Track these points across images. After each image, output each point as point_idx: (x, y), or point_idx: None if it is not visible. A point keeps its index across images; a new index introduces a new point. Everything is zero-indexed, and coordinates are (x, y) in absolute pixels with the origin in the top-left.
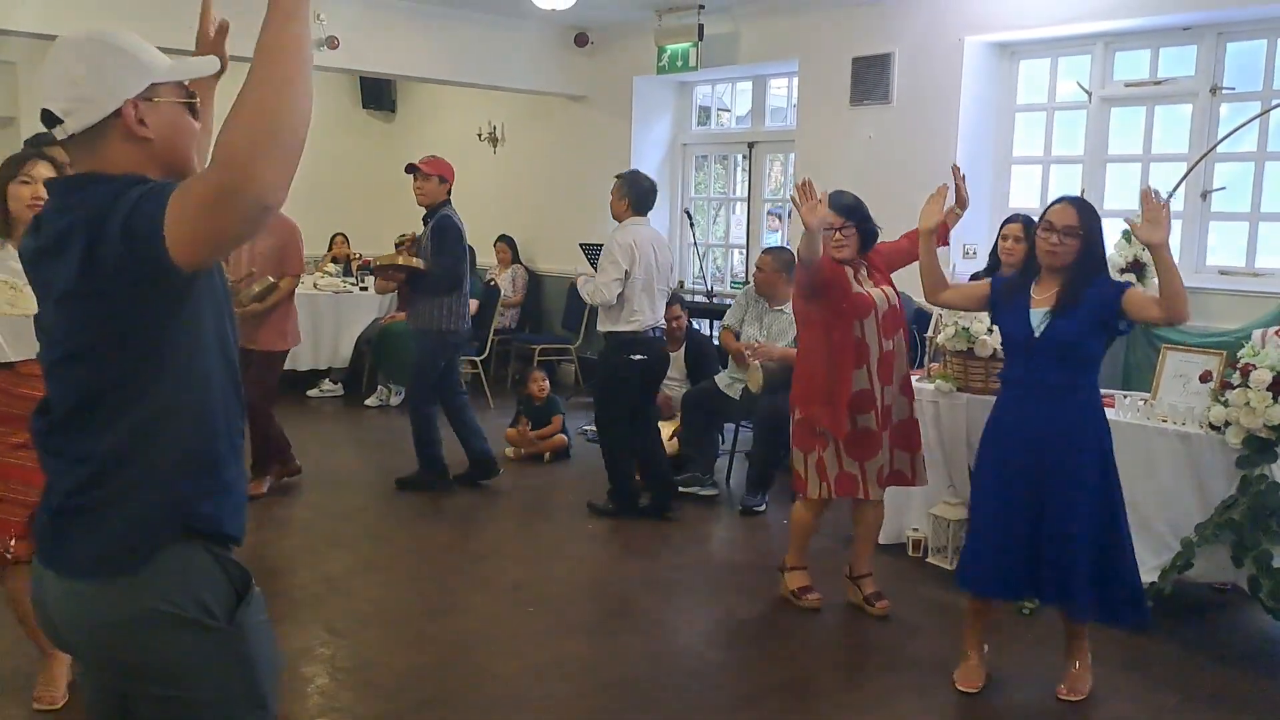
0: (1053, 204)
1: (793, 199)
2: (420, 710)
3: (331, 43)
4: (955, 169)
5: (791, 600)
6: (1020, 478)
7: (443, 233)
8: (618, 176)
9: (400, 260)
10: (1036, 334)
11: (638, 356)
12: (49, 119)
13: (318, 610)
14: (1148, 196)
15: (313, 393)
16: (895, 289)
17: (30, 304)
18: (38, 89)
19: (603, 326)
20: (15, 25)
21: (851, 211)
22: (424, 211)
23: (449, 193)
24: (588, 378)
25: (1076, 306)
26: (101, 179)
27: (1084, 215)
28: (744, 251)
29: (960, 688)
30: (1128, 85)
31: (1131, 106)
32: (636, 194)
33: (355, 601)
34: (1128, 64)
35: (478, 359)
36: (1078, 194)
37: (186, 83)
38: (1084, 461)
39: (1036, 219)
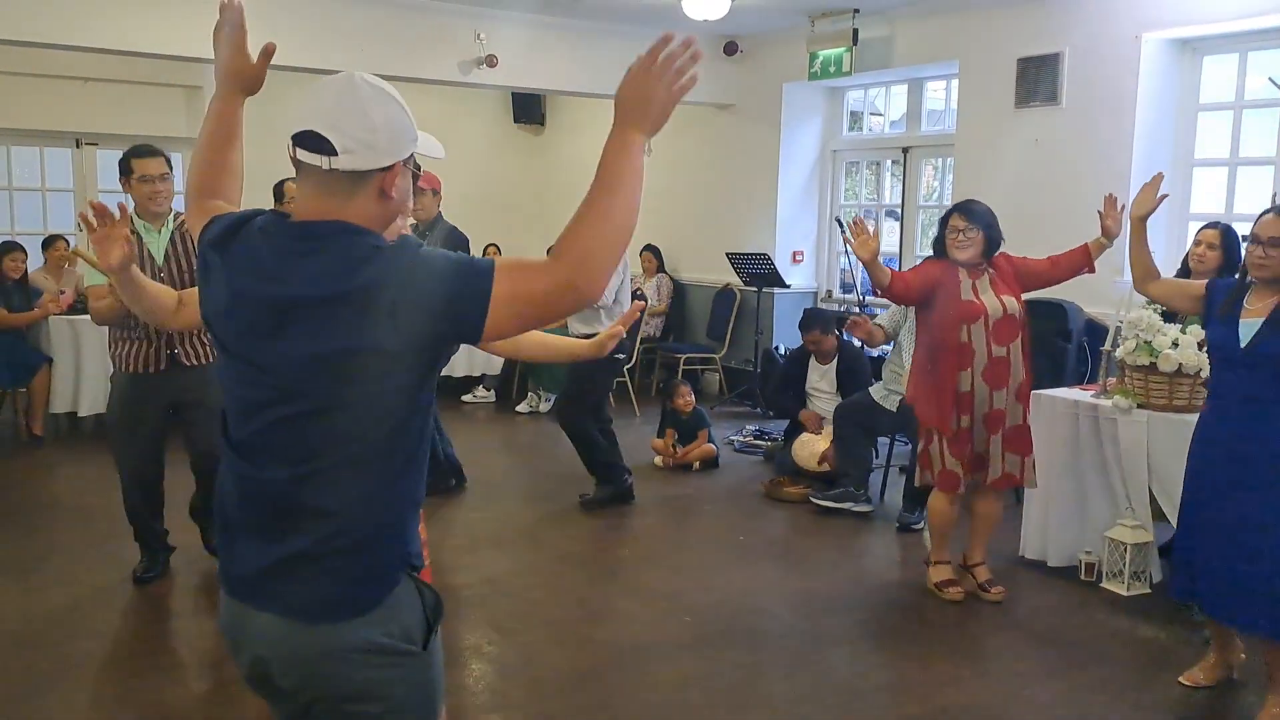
0: (1261, 215)
1: (845, 240)
2: (590, 713)
3: (490, 61)
4: (1110, 199)
5: (935, 593)
6: (1213, 490)
7: (457, 245)
8: None
9: None
10: (1243, 345)
11: (620, 355)
12: (316, 143)
13: (484, 609)
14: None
15: (467, 398)
16: (1020, 301)
17: None
18: (298, 112)
19: (584, 328)
20: (204, 53)
21: (976, 216)
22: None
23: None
24: (733, 387)
25: None
26: (364, 233)
27: None
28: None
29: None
30: None
31: None
32: None
33: (518, 603)
34: None
35: (625, 368)
36: (1272, 197)
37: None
38: None
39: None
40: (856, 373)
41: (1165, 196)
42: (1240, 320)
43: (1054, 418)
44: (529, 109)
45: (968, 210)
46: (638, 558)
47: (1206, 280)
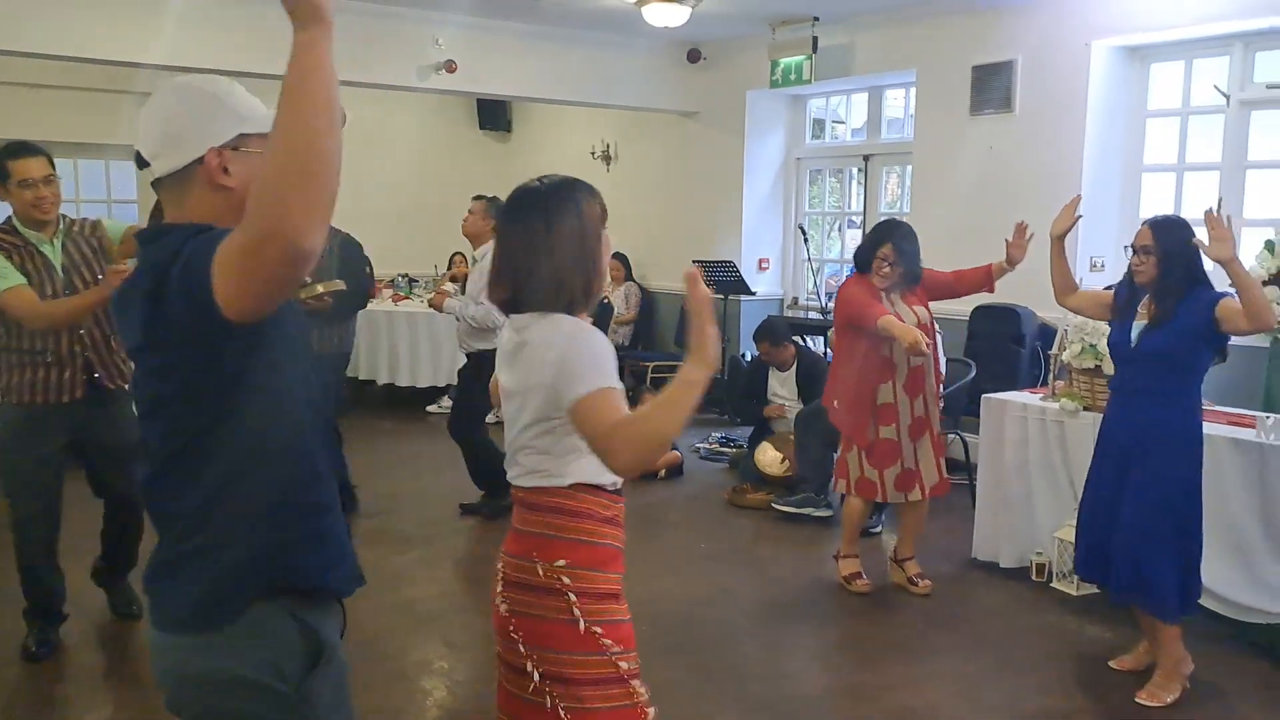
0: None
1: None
2: None
3: (449, 66)
4: (1020, 227)
5: (844, 585)
6: (1104, 474)
7: (350, 253)
8: (482, 198)
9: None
10: (1133, 345)
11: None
12: (140, 160)
13: (438, 624)
14: (1211, 217)
15: (432, 409)
16: (929, 310)
17: None
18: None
19: (476, 345)
20: (148, 58)
21: (904, 256)
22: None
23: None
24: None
25: (1170, 319)
26: (173, 230)
27: (1159, 234)
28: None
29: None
30: (1269, 87)
31: (1273, 109)
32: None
33: (471, 617)
34: (1269, 65)
35: None
36: (1217, 201)
37: None
38: (1167, 463)
39: None
40: (816, 379)
41: (1080, 218)
42: (1135, 323)
43: (1005, 421)
44: (494, 115)
45: (900, 248)
46: None
47: (1114, 288)
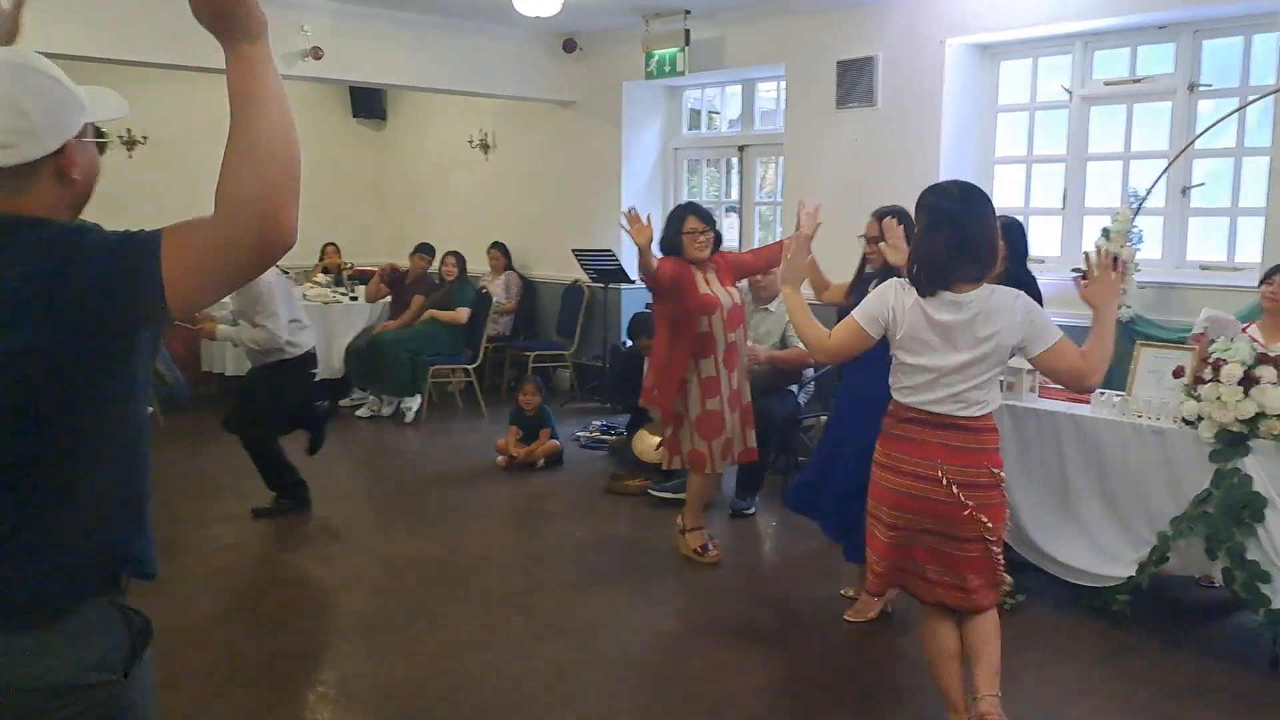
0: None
1: (622, 225)
2: None
3: (315, 53)
4: (800, 206)
5: (695, 557)
6: (839, 430)
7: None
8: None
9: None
10: None
11: (315, 370)
12: None
13: (302, 623)
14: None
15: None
16: (739, 291)
17: None
18: None
19: (269, 359)
20: None
21: (708, 217)
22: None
23: None
24: (584, 383)
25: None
26: (37, 224)
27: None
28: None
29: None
30: (1107, 84)
31: (1111, 105)
32: None
33: (339, 613)
34: (1107, 63)
35: (470, 367)
36: (1063, 193)
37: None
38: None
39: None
40: None
41: (820, 224)
42: None
43: None
44: (369, 103)
45: (701, 211)
46: (473, 560)
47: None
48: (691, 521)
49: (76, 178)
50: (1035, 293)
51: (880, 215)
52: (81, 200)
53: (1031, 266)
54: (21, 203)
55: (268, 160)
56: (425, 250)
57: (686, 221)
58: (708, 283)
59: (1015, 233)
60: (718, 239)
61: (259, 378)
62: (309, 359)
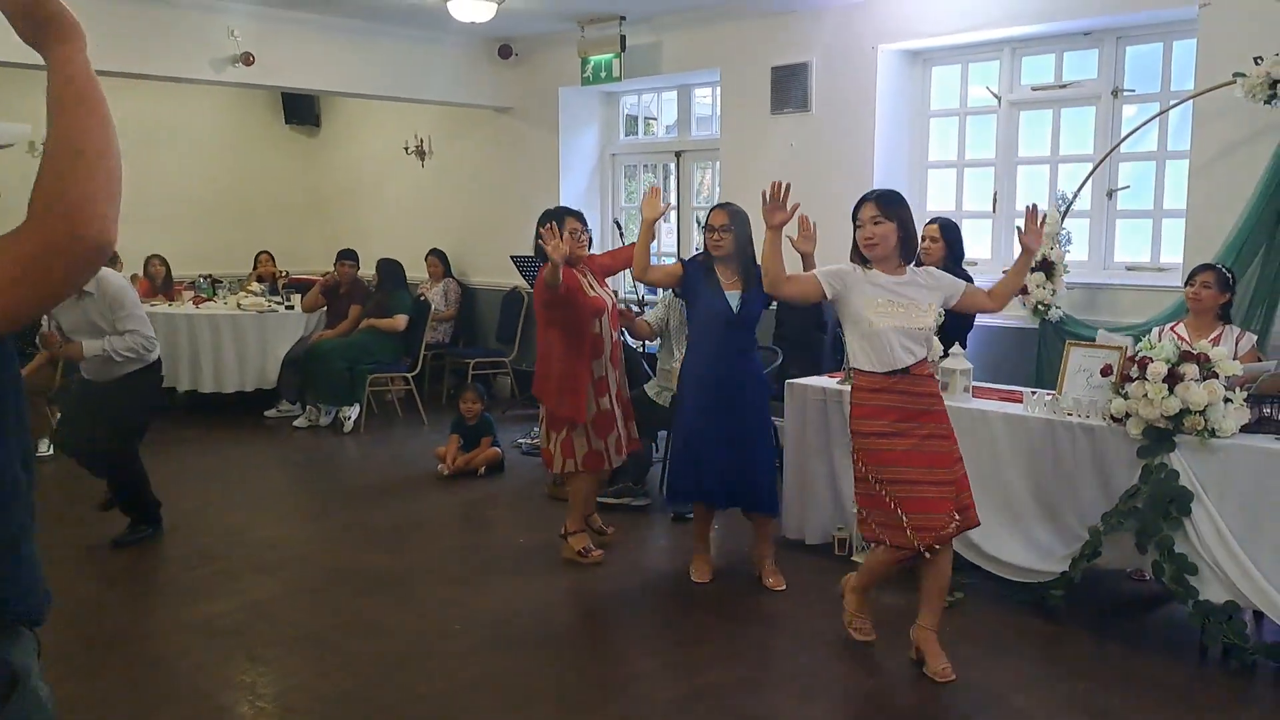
0: (711, 209)
1: (540, 237)
2: None
3: (246, 59)
4: (1030, 211)
5: (578, 559)
6: (707, 414)
7: None
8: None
9: None
10: (736, 311)
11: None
12: None
13: (240, 638)
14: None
15: (270, 413)
16: (611, 292)
17: (920, 318)
18: None
19: (127, 369)
20: None
21: (584, 219)
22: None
23: None
24: (524, 390)
25: (755, 286)
26: None
27: (731, 216)
28: (675, 260)
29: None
30: (1034, 89)
31: (1039, 110)
32: None
33: (279, 627)
34: (1034, 69)
35: (410, 375)
36: (993, 196)
37: None
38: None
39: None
40: (629, 371)
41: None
42: (725, 292)
43: (806, 405)
44: (301, 110)
45: (577, 213)
46: (414, 571)
47: (684, 261)
48: (575, 524)
49: None
50: None
51: (725, 207)
52: None
53: (966, 267)
54: None
55: (98, 165)
56: (348, 257)
57: (567, 224)
58: (591, 286)
59: (952, 233)
60: (590, 241)
61: (115, 389)
62: (160, 362)
